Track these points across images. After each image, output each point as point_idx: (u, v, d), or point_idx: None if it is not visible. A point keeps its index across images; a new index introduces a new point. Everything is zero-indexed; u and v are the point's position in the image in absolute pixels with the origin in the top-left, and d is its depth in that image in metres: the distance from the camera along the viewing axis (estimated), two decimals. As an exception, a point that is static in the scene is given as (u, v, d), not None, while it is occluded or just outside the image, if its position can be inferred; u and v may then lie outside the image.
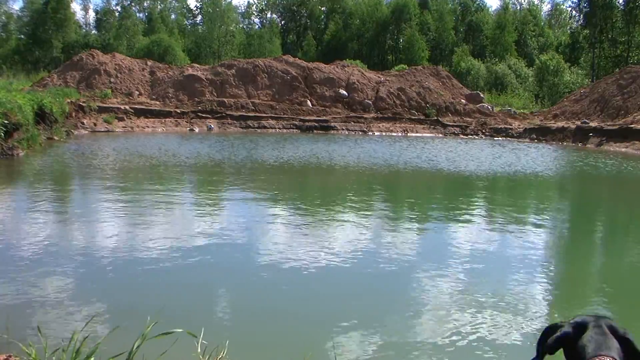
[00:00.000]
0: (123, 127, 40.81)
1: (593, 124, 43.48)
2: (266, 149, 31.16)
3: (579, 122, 44.92)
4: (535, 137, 45.67)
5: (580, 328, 2.38)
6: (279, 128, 45.76)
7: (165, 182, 19.86)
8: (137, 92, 46.46)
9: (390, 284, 9.58)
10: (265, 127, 45.32)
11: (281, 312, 8.16)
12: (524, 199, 20.50)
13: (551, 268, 11.22)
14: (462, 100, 53.53)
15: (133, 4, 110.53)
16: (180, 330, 4.53)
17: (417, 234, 13.35)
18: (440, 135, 47.32)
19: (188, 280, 9.27)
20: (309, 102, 49.18)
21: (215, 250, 11.10)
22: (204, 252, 10.84)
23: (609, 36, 73.29)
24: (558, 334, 2.41)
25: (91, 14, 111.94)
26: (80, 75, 46.84)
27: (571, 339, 2.37)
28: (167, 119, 43.67)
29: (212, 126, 43.82)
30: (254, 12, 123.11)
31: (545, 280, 10.19)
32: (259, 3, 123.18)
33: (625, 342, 2.32)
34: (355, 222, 14.10)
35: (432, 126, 48.93)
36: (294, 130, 45.61)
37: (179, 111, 44.74)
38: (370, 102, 50.53)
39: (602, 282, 10.50)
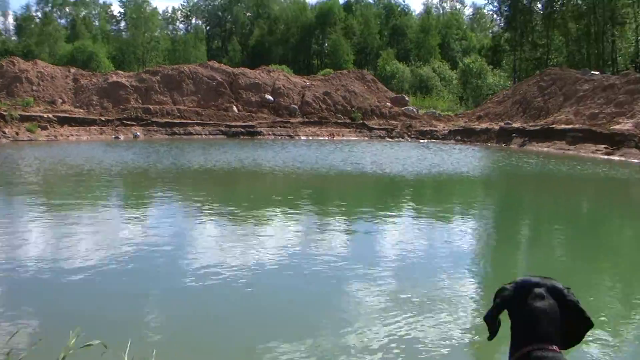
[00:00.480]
0: (47, 136, 40.19)
1: (516, 125, 44.56)
2: (192, 155, 31.12)
3: (502, 123, 45.94)
4: (460, 138, 46.51)
5: (522, 291, 2.43)
6: (205, 134, 45.67)
7: (91, 191, 19.62)
8: (60, 100, 45.80)
9: (321, 288, 9.67)
10: (191, 134, 45.19)
11: (211, 320, 8.15)
12: (450, 199, 20.92)
13: (480, 266, 11.57)
14: (387, 103, 54.15)
15: (55, 9, 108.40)
16: (98, 341, 4.17)
17: (346, 237, 13.51)
18: (367, 138, 47.82)
19: (115, 289, 9.19)
20: (235, 108, 49.20)
21: (143, 259, 11.03)
22: (131, 261, 10.77)
23: (530, 39, 74.79)
24: (497, 300, 2.47)
25: (10, 20, 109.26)
26: (0, 83, 46.03)
27: (514, 303, 2.41)
28: (91, 127, 43.15)
29: (138, 134, 43.50)
30: (179, 18, 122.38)
31: (474, 278, 10.53)
32: (183, 9, 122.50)
33: (571, 307, 2.40)
34: (284, 227, 14.24)
35: (359, 130, 49.39)
36: (221, 136, 45.55)
37: (103, 119, 44.23)
38: (296, 107, 50.82)
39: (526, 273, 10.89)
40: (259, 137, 45.95)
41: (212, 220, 15.07)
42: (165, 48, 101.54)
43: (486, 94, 68.84)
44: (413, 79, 78.68)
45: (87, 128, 42.88)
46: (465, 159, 33.05)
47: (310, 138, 46.39)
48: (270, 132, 47.07)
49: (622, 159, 33.05)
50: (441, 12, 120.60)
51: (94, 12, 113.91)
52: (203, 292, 9.23)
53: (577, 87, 45.28)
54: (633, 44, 68.11)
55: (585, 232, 15.28)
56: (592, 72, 48.94)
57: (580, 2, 71.33)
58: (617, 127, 37.39)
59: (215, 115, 47.87)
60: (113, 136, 42.37)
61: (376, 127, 49.62)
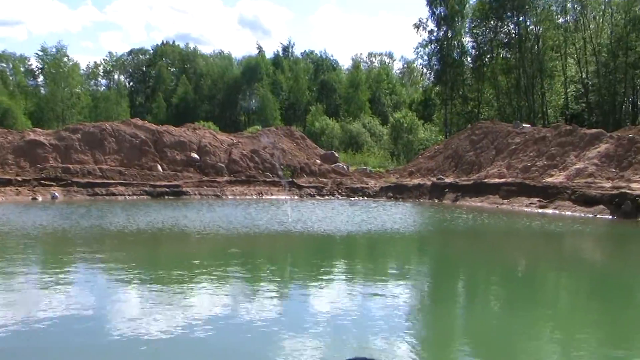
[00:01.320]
0: (-42, 198, 39.19)
1: (448, 180, 45.14)
2: (114, 217, 30.65)
3: (434, 179, 46.52)
4: (392, 195, 46.82)
5: None
6: (129, 194, 45.04)
7: (3, 255, 19.19)
8: (-28, 160, 44.84)
9: (249, 354, 9.58)
10: (114, 194, 44.51)
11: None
12: (382, 258, 20.91)
13: (415, 329, 11.49)
14: (317, 160, 54.45)
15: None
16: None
17: (276, 300, 13.39)
18: (296, 197, 47.85)
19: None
20: (159, 167, 48.78)
21: (61, 330, 10.72)
22: (47, 333, 10.43)
23: (460, 93, 76.38)
24: None
25: None
26: None
27: None
28: (7, 188, 42.16)
29: (57, 194, 42.62)
30: (100, 73, 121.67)
31: (409, 341, 10.41)
32: (105, 63, 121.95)
33: None
34: (211, 290, 14.03)
35: (288, 188, 49.48)
36: (145, 196, 44.96)
37: (20, 179, 43.31)
38: (223, 166, 50.64)
39: (466, 339, 10.93)
40: (184, 197, 45.52)
41: (135, 287, 14.71)
42: (87, 104, 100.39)
43: (418, 149, 70.02)
44: (343, 135, 79.50)
45: (2, 189, 41.87)
46: (397, 216, 33.20)
47: (238, 197, 46.16)
48: (196, 192, 46.69)
49: (556, 212, 33.67)
50: (370, 66, 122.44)
51: (10, 65, 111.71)
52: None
53: (509, 140, 46.29)
54: (562, 96, 70.91)
55: (521, 286, 15.50)
56: (524, 124, 50.29)
57: (509, 56, 73.58)
58: (549, 179, 38.24)
59: (139, 174, 47.33)
60: (30, 197, 41.44)
61: (306, 185, 49.68)
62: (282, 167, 51.05)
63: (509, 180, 40.08)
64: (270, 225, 27.71)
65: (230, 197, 46.12)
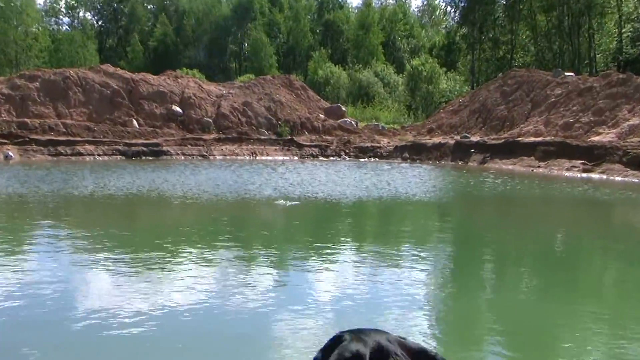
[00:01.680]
0: None
1: (475, 139, 45.06)
2: (81, 181, 30.60)
3: (458, 137, 46.46)
4: (408, 156, 46.78)
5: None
6: (99, 155, 45.00)
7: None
8: None
9: (245, 336, 9.63)
10: (81, 154, 44.45)
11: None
12: (397, 231, 20.75)
13: (435, 306, 11.56)
14: (320, 115, 54.35)
15: None
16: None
17: (274, 276, 13.41)
18: (296, 157, 47.78)
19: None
20: (135, 122, 48.70)
21: (24, 307, 10.76)
22: (9, 311, 10.52)
23: (491, 36, 75.80)
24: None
25: None
26: None
27: None
28: (-50, 147, 42.30)
29: (11, 154, 42.52)
30: (62, 10, 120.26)
31: (429, 320, 10.53)
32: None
33: None
34: (195, 268, 13.98)
35: (286, 147, 49.34)
36: (118, 157, 44.94)
37: (-33, 137, 43.42)
38: (210, 121, 50.57)
39: (493, 320, 10.95)
40: (165, 157, 45.54)
41: (109, 260, 14.59)
42: (46, 47, 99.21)
43: (439, 102, 69.73)
44: (351, 85, 79.05)
45: (-53, 149, 41.98)
46: (413, 180, 33.30)
47: (228, 158, 46.15)
48: (178, 152, 46.71)
49: (604, 176, 33.56)
50: (384, 3, 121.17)
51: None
52: (94, 349, 9.05)
53: (548, 92, 46.07)
54: (615, 38, 67.99)
55: (560, 269, 15.13)
56: (566, 73, 49.77)
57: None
58: (596, 138, 38.02)
59: (111, 131, 47.27)
60: (-20, 158, 41.43)
61: (307, 143, 49.65)
62: (279, 123, 51.03)
63: (547, 139, 39.99)
64: (263, 191, 27.76)
65: (218, 157, 46.16)
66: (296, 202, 24.31)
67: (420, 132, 52.10)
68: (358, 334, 2.34)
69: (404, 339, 2.40)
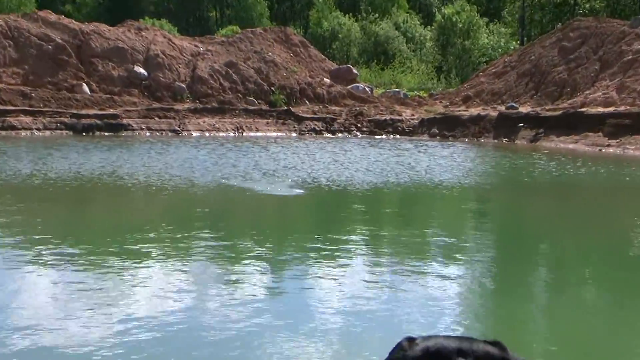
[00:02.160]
0: None
1: (524, 110, 44.89)
2: (15, 162, 30.44)
3: (502, 108, 46.31)
4: (437, 132, 46.66)
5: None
6: (38, 128, 44.70)
7: None
8: None
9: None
10: (14, 128, 44.12)
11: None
12: (419, 225, 20.58)
13: (477, 312, 11.69)
14: (325, 79, 54.21)
15: None
16: None
17: (262, 286, 13.21)
18: (294, 134, 47.61)
19: None
20: (85, 88, 48.47)
21: None
22: None
23: (548, -28, 75.60)
24: None
25: None
26: None
27: None
28: None
29: None
30: None
31: (475, 327, 10.61)
32: None
33: None
34: (166, 275, 13.83)
35: (281, 120, 49.17)
36: (64, 131, 44.76)
37: None
38: (183, 86, 50.41)
39: (548, 330, 11.03)
40: (125, 132, 45.42)
41: (48, 269, 14.27)
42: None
43: (477, 63, 69.67)
44: (365, 41, 79.20)
45: None
46: (443, 162, 33.30)
47: (207, 134, 45.99)
48: (143, 125, 46.49)
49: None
50: None
51: None
52: None
53: (624, 48, 45.72)
54: None
55: (632, 274, 14.99)
56: (649, 22, 49.35)
57: None
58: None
59: (54, 98, 47.02)
60: None
61: (308, 116, 49.47)
62: (272, 89, 50.83)
63: (621, 109, 39.74)
64: (250, 177, 27.59)
65: (194, 133, 46.07)
66: (299, 191, 24.17)
67: (454, 101, 51.98)
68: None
69: None
